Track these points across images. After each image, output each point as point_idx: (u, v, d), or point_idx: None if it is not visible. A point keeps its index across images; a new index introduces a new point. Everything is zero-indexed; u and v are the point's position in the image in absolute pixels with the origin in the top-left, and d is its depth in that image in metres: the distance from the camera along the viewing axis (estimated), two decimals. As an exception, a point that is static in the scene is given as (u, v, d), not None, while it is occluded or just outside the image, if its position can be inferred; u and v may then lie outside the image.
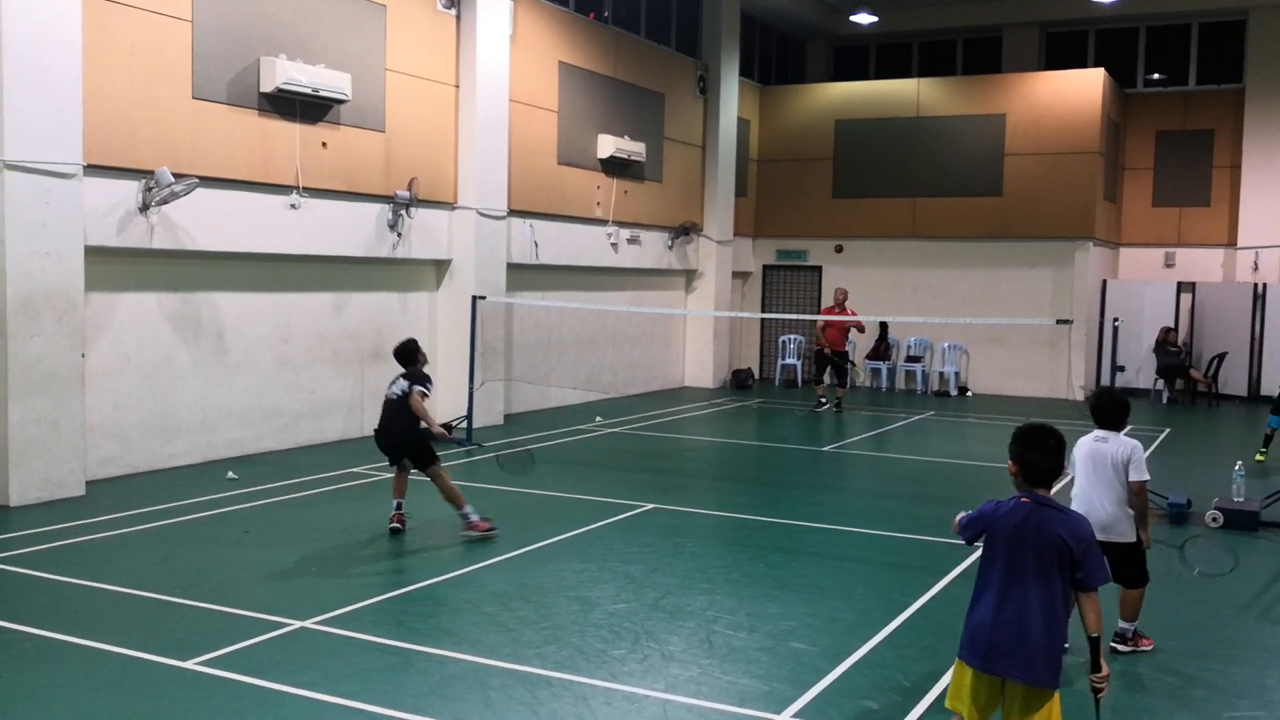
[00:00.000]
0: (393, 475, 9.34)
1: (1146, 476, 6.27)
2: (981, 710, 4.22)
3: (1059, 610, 4.13)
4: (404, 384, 9.01)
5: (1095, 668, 4.23)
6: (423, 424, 8.81)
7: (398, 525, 9.12)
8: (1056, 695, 4.14)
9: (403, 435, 8.98)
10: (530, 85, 16.11)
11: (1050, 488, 4.26)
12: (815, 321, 18.64)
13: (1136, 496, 6.24)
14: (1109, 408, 6.40)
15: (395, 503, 9.22)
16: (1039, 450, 4.21)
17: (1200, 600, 7.63)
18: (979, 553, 4.36)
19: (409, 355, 9.26)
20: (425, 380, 9.10)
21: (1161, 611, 7.40)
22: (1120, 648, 6.45)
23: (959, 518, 4.41)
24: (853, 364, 19.04)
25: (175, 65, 11.06)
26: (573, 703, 5.55)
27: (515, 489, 10.91)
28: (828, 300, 20.78)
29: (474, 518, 8.93)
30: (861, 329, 18.49)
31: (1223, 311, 20.87)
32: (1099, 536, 5.93)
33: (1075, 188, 20.47)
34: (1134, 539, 6.32)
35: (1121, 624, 6.45)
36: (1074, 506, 6.22)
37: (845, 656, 6.30)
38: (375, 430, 9.22)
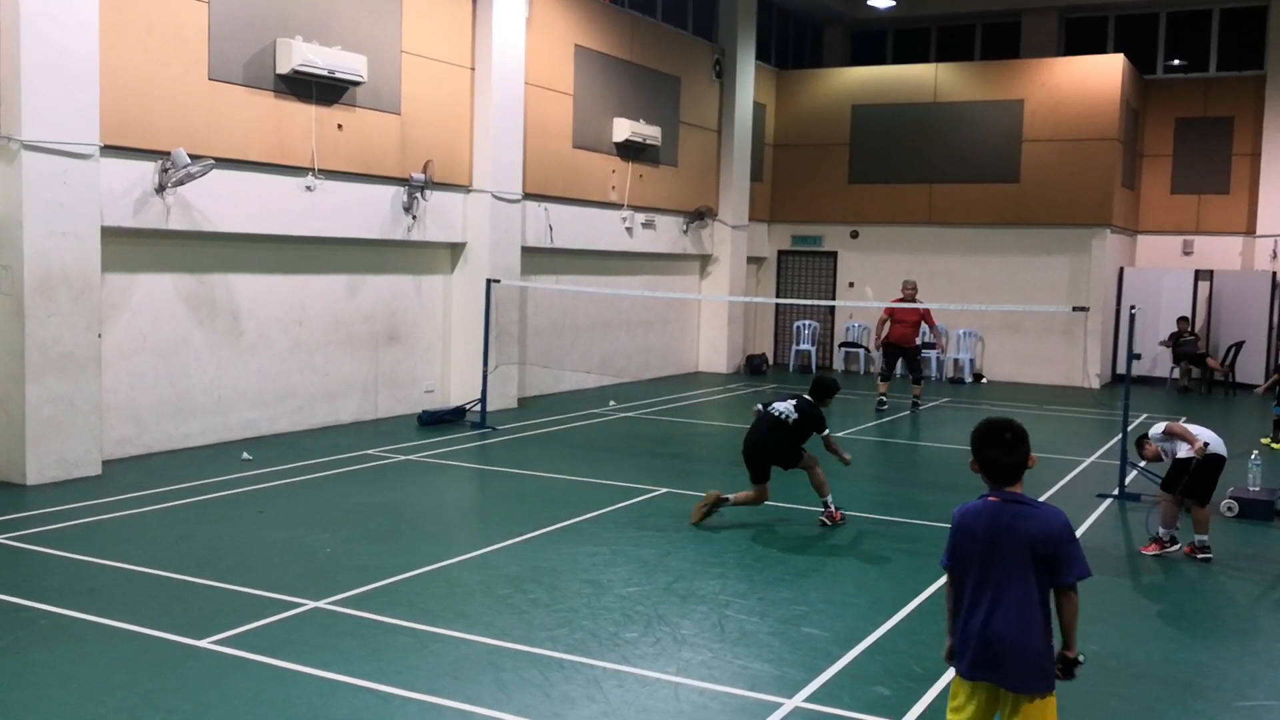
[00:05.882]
0: None
1: None
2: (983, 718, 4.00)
3: (1039, 612, 3.89)
4: None
5: (1067, 675, 3.97)
6: None
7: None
8: (1052, 699, 3.92)
9: None
10: (546, 68, 16.07)
11: (1018, 483, 4.01)
12: (880, 316, 17.36)
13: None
14: None
15: None
16: (997, 446, 3.98)
17: (1214, 589, 7.62)
18: None
19: None
20: None
21: (1175, 601, 7.40)
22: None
23: (942, 560, 4.20)
24: (924, 358, 17.68)
25: (192, 46, 11.07)
26: (584, 685, 5.57)
27: (529, 472, 10.93)
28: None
29: None
30: (930, 322, 16.98)
31: (1240, 300, 20.72)
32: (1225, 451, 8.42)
33: (1093, 174, 20.33)
34: None
35: (1199, 536, 8.30)
36: (1198, 436, 8.28)
37: (857, 642, 6.30)
38: None
